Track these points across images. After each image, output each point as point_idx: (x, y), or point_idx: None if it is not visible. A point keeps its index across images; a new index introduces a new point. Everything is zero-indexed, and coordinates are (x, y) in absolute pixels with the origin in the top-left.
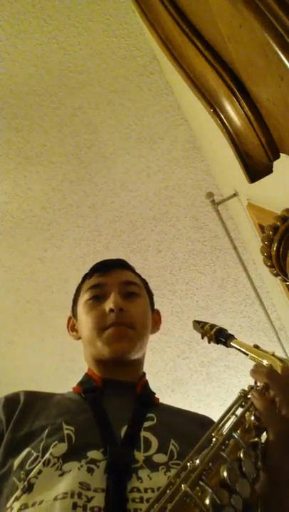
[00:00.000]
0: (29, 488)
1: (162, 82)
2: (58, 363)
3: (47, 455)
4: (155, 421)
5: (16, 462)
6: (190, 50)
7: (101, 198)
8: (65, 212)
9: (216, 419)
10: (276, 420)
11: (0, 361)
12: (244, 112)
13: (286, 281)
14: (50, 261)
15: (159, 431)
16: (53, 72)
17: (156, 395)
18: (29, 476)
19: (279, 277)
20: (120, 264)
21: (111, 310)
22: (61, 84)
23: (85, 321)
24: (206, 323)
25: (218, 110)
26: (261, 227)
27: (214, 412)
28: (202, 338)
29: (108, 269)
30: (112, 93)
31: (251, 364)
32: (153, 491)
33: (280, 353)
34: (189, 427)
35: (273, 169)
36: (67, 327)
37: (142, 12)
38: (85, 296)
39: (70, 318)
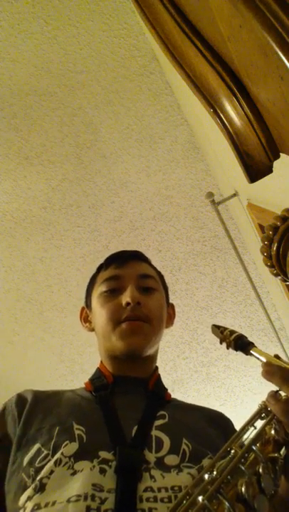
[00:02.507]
0: (41, 488)
1: (162, 82)
2: (58, 363)
3: (58, 454)
4: (167, 419)
5: (26, 459)
6: (190, 50)
7: (101, 198)
8: (65, 212)
9: None
10: None
11: (0, 361)
12: (244, 111)
13: (286, 281)
14: (50, 261)
15: (171, 430)
16: (53, 72)
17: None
18: (40, 476)
19: (279, 277)
20: (137, 256)
21: (127, 304)
22: (61, 84)
23: (100, 313)
24: (225, 328)
25: (218, 110)
26: (261, 227)
27: None
28: (221, 343)
29: (125, 260)
30: (112, 93)
31: (251, 364)
32: (167, 490)
33: (280, 354)
34: (202, 424)
35: (273, 169)
36: (80, 318)
37: (142, 12)
38: (100, 288)
39: (83, 309)
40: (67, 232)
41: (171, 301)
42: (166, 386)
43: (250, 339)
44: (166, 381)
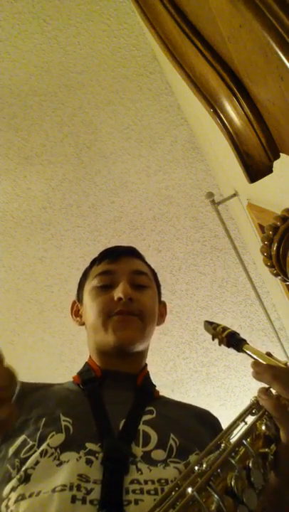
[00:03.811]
0: (26, 479)
1: (162, 82)
2: (58, 363)
3: (44, 445)
4: (155, 414)
5: (11, 450)
6: (190, 50)
7: (101, 198)
8: (65, 212)
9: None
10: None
11: None
12: (244, 111)
13: (286, 281)
14: (50, 261)
15: (158, 425)
16: (53, 72)
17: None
18: (25, 466)
19: (279, 277)
20: (131, 252)
21: (119, 299)
22: (61, 84)
23: (91, 307)
24: (218, 324)
25: (218, 110)
26: (261, 227)
27: (214, 412)
28: (213, 339)
29: (118, 256)
30: (112, 93)
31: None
32: (153, 482)
33: (280, 353)
34: (189, 421)
35: (273, 169)
36: (71, 311)
37: (142, 12)
38: (92, 283)
39: (74, 303)
40: (67, 232)
41: (171, 301)
42: (166, 386)
43: (250, 339)
44: (166, 381)
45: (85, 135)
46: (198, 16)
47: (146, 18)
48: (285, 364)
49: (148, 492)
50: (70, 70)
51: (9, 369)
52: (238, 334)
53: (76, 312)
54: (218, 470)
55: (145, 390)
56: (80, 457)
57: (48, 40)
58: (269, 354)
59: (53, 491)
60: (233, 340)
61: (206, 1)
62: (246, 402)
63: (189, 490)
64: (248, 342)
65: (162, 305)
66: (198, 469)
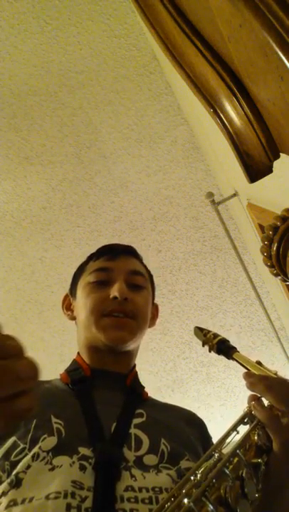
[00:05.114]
0: (17, 483)
1: (162, 82)
2: (58, 363)
3: (35, 449)
4: (145, 418)
5: (0, 452)
6: (190, 50)
7: (101, 198)
8: (65, 212)
9: (215, 420)
10: (281, 430)
11: None
12: (244, 111)
13: (286, 281)
14: (50, 261)
15: (149, 429)
16: (53, 72)
17: (145, 389)
18: (16, 470)
19: (279, 277)
20: (130, 251)
21: (115, 298)
22: (61, 84)
23: (84, 303)
24: (208, 331)
25: (218, 110)
26: (261, 227)
27: (214, 412)
28: (203, 346)
29: (117, 254)
30: (112, 93)
31: None
32: (148, 490)
33: (280, 353)
34: (179, 424)
35: (273, 169)
36: (62, 305)
37: (142, 12)
38: (88, 278)
39: (66, 296)
40: (67, 232)
41: (171, 301)
42: (166, 386)
43: (250, 339)
44: (166, 381)
45: (85, 135)
46: (198, 16)
47: (146, 18)
48: (275, 374)
49: (142, 501)
50: (70, 70)
51: (33, 361)
52: (229, 341)
53: (68, 306)
54: (214, 480)
55: (134, 391)
56: (74, 462)
57: (48, 40)
58: (259, 363)
59: (47, 498)
60: (224, 348)
61: (206, 1)
62: (246, 403)
63: (185, 501)
64: (238, 350)
65: (154, 307)
66: (193, 479)
